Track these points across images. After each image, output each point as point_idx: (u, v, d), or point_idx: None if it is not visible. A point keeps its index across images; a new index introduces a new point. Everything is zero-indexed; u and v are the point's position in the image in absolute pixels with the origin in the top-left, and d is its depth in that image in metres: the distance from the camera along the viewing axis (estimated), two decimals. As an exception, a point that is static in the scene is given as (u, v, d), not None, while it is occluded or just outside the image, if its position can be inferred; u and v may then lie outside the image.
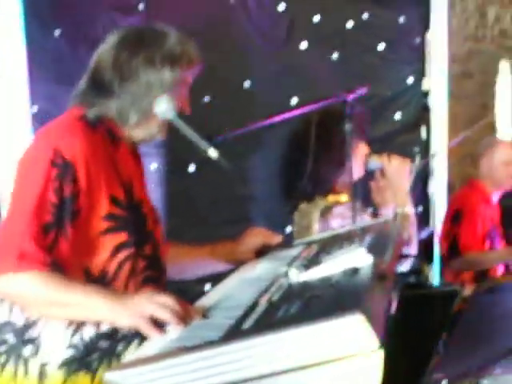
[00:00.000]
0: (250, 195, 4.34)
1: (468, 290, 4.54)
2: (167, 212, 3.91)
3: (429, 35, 5.45)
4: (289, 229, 4.43)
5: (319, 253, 2.53)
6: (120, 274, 2.32)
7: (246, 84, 4.39)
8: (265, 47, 4.49)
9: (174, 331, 1.98)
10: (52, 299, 2.13)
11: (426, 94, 5.52)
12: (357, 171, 3.42)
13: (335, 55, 4.88)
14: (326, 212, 3.45)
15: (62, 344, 2.25)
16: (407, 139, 5.32)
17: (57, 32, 3.58)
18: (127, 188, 2.38)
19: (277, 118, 3.12)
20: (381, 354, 1.56)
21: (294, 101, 4.59)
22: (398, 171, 3.53)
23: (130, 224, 2.35)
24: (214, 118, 4.09)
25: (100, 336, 2.27)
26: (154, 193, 3.91)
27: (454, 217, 4.89)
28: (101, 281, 2.29)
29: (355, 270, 2.06)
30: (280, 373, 1.59)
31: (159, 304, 2.04)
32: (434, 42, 5.48)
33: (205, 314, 2.07)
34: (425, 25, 5.49)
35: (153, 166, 3.99)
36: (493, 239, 4.82)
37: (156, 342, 1.92)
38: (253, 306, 1.98)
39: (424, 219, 5.62)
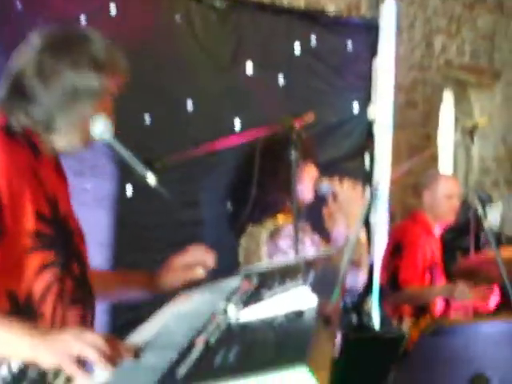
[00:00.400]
0: (194, 219, 4.17)
1: (406, 324, 4.50)
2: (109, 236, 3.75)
3: (376, 62, 5.36)
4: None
5: (260, 287, 2.40)
6: (47, 296, 2.16)
7: (189, 104, 4.23)
8: (209, 67, 4.35)
9: (101, 373, 1.83)
10: None
11: (370, 123, 5.43)
12: (306, 195, 3.36)
13: (281, 79, 4.75)
14: (274, 233, 3.37)
15: None
16: (351, 167, 5.22)
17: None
18: (52, 203, 2.22)
19: (221, 143, 2.98)
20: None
21: (237, 123, 4.46)
22: (350, 195, 3.51)
23: (57, 241, 2.20)
24: (155, 139, 3.97)
25: (27, 365, 2.09)
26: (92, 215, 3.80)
27: (395, 249, 4.83)
28: (27, 304, 2.13)
29: (299, 313, 1.93)
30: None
31: (86, 343, 1.88)
32: (381, 70, 5.40)
33: (136, 353, 1.93)
34: (372, 52, 5.39)
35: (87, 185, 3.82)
36: (433, 273, 4.75)
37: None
38: (189, 348, 1.84)
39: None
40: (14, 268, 2.10)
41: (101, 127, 2.28)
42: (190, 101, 4.24)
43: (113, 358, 1.87)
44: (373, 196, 4.81)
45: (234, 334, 1.87)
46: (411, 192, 6.37)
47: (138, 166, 2.27)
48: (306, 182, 3.38)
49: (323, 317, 1.90)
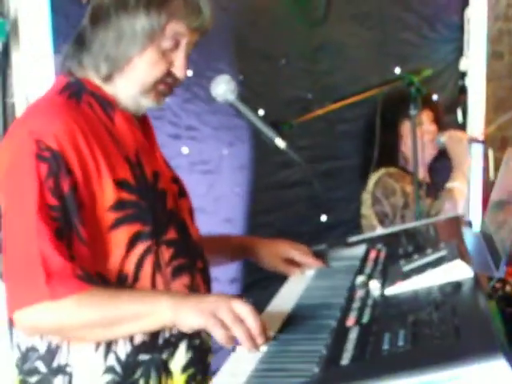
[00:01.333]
0: (293, 180, 4.03)
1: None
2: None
3: (468, 12, 5.11)
4: (323, 218, 4.20)
5: (393, 257, 2.25)
6: (141, 272, 1.97)
7: (282, 62, 4.06)
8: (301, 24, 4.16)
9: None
10: (98, 319, 1.83)
11: (463, 75, 5.20)
12: (428, 150, 3.33)
13: (373, 33, 4.55)
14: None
15: (96, 370, 1.94)
16: (445, 121, 5.01)
17: None
18: (134, 164, 2.01)
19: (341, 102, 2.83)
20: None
21: (331, 81, 4.28)
22: (458, 145, 3.47)
23: (144, 208, 1.98)
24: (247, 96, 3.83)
25: (137, 349, 1.96)
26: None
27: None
28: (120, 285, 1.96)
29: (456, 285, 1.77)
30: None
31: (236, 316, 1.77)
32: (474, 20, 5.14)
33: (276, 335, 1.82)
34: (463, 2, 5.14)
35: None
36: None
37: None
38: (341, 329, 1.70)
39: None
40: (100, 249, 1.92)
41: (224, 87, 2.11)
42: (283, 60, 4.05)
43: (258, 340, 1.76)
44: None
45: (390, 314, 1.72)
46: (499, 147, 6.16)
47: (266, 129, 2.11)
48: (426, 138, 3.30)
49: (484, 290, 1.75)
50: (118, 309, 1.83)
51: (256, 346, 1.75)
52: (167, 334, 1.99)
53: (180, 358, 2.03)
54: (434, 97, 5.02)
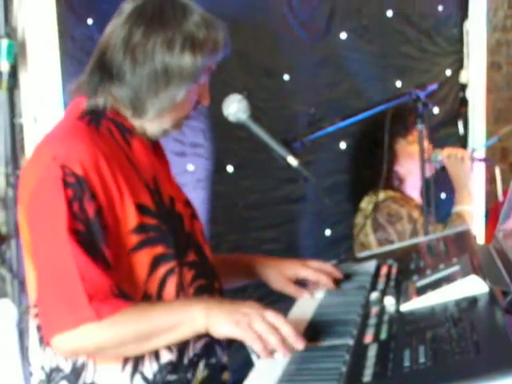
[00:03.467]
0: (294, 196, 4.04)
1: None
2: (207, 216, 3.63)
3: (467, 25, 5.13)
4: (328, 232, 4.21)
5: (405, 272, 2.26)
6: (164, 292, 1.99)
7: (286, 77, 4.08)
8: (304, 38, 4.19)
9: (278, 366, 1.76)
10: (134, 335, 1.84)
11: (463, 87, 5.22)
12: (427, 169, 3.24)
13: (374, 46, 4.57)
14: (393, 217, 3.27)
15: None
16: (446, 133, 5.03)
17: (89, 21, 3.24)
18: (153, 189, 2.03)
19: (350, 119, 2.84)
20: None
21: (334, 95, 4.30)
22: (459, 165, 3.39)
23: (165, 231, 2.00)
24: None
25: (164, 368, 1.97)
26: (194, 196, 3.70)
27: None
28: None
29: (472, 300, 1.78)
30: None
31: (270, 324, 1.81)
32: (473, 33, 5.16)
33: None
34: (462, 15, 5.16)
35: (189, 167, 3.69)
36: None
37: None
38: (359, 346, 1.71)
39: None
40: (124, 271, 1.94)
41: (235, 107, 2.13)
42: (286, 75, 4.07)
43: (291, 346, 1.81)
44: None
45: (407, 330, 1.72)
46: (500, 158, 6.21)
47: (278, 147, 2.12)
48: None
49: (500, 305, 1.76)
50: (152, 322, 1.85)
51: (291, 351, 1.80)
52: (191, 354, 2.01)
53: (198, 377, 2.04)
54: (435, 110, 5.05)
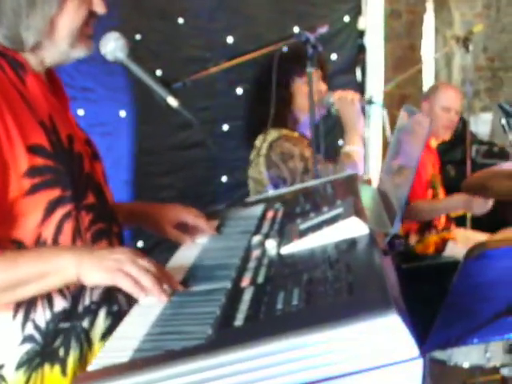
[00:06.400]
0: (190, 142, 3.99)
1: (413, 240, 4.35)
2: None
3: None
4: (224, 178, 4.18)
5: (290, 216, 2.23)
6: (60, 237, 1.88)
7: (180, 21, 4.00)
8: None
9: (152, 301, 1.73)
10: (3, 283, 1.76)
11: (361, 34, 5.22)
12: (318, 110, 3.22)
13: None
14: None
15: (13, 339, 1.85)
16: (344, 80, 5.03)
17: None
18: (49, 128, 1.90)
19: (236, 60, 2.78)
20: (420, 363, 1.27)
21: (230, 39, 4.24)
22: (349, 107, 3.39)
23: (62, 173, 1.88)
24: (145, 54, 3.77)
25: (57, 316, 1.89)
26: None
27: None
28: None
29: (351, 242, 1.75)
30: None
31: (141, 267, 1.74)
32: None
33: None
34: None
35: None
36: (435, 187, 4.59)
37: (133, 329, 1.61)
38: (235, 290, 1.67)
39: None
40: (16, 216, 1.83)
41: (113, 45, 2.04)
42: (181, 19, 3.99)
43: (166, 289, 1.76)
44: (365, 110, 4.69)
45: (285, 272, 1.69)
46: (398, 104, 6.24)
47: (158, 88, 2.04)
48: (315, 97, 3.19)
49: (379, 247, 1.74)
50: (19, 271, 1.76)
51: (166, 292, 1.74)
52: (87, 302, 1.93)
53: (99, 325, 1.97)
54: (333, 56, 5.04)
